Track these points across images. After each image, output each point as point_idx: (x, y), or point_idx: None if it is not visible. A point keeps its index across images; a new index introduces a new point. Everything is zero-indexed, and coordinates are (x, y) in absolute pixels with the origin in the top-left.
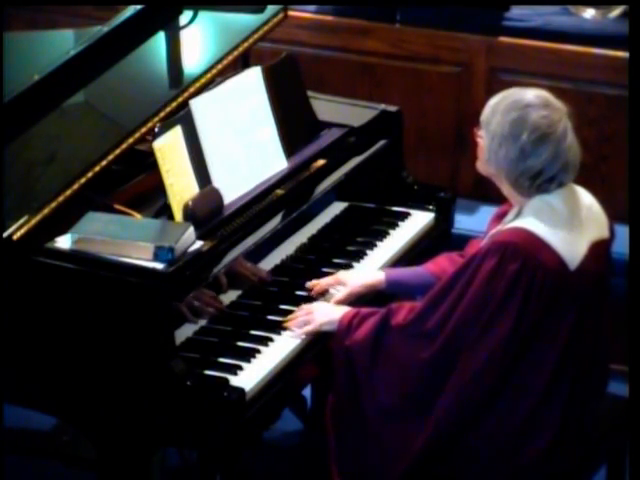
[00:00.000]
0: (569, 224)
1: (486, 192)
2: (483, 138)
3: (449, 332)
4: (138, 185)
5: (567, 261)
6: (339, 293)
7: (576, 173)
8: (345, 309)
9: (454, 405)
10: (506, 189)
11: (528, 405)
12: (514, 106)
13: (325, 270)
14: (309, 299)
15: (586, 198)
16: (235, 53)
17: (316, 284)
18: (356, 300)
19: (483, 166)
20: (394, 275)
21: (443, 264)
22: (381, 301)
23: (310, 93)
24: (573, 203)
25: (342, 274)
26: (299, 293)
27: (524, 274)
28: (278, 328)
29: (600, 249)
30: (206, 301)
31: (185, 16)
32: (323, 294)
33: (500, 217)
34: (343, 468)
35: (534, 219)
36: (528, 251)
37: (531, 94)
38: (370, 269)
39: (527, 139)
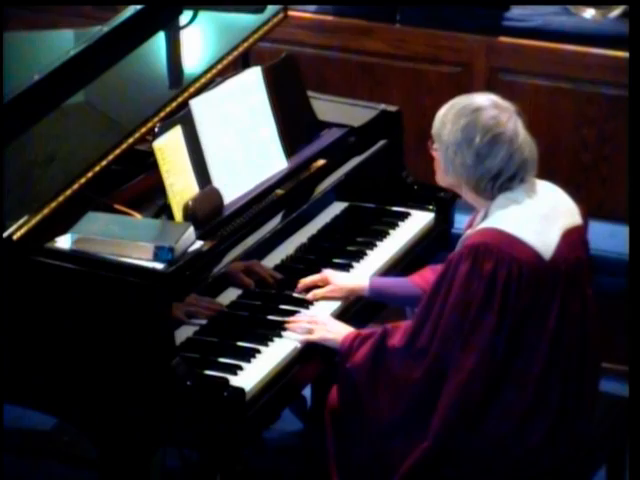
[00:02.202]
0: (536, 215)
1: None
2: (437, 150)
3: (439, 343)
4: (138, 185)
5: (541, 252)
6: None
7: (536, 168)
8: (348, 329)
9: (451, 409)
10: (469, 196)
11: (522, 404)
12: (462, 112)
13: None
14: (309, 299)
15: (551, 190)
16: (235, 53)
17: (303, 282)
18: (345, 307)
19: (442, 178)
20: (377, 284)
21: (427, 276)
22: (374, 310)
23: (310, 93)
24: (537, 195)
25: (328, 272)
26: (299, 293)
27: (499, 271)
28: (278, 328)
29: (573, 236)
30: (202, 304)
31: (185, 16)
32: (308, 291)
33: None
34: (343, 468)
35: (501, 217)
36: (500, 248)
37: (478, 99)
38: (362, 272)
39: (480, 142)
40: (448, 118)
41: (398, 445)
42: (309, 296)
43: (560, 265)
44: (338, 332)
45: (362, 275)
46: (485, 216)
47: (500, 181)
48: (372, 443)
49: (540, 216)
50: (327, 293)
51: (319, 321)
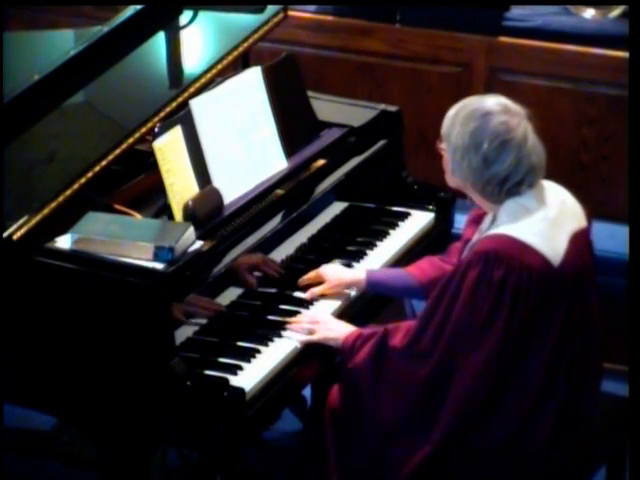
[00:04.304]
0: (546, 221)
1: None
2: (445, 151)
3: (443, 347)
4: (138, 185)
5: (550, 258)
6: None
7: (544, 172)
8: (350, 328)
9: (455, 414)
10: (476, 198)
11: (525, 406)
12: (472, 116)
13: None
14: (309, 299)
15: (558, 192)
16: (235, 53)
17: (300, 282)
18: (343, 300)
19: (450, 178)
20: (374, 276)
21: (424, 267)
22: (375, 307)
23: (310, 93)
24: (546, 200)
25: (323, 269)
26: (299, 293)
27: (509, 278)
28: (278, 328)
29: (580, 239)
30: (202, 305)
31: (185, 16)
32: (307, 287)
33: (475, 221)
34: (343, 469)
35: (510, 223)
36: (510, 255)
37: (489, 102)
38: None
39: (488, 147)
40: (458, 119)
41: (399, 446)
42: (306, 295)
43: (568, 271)
44: (339, 331)
45: (358, 268)
46: (493, 220)
47: (507, 186)
48: (373, 444)
49: (549, 222)
50: (325, 291)
51: (320, 320)
